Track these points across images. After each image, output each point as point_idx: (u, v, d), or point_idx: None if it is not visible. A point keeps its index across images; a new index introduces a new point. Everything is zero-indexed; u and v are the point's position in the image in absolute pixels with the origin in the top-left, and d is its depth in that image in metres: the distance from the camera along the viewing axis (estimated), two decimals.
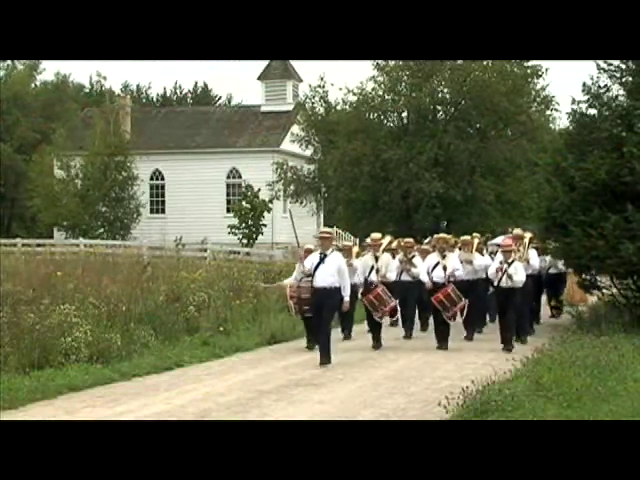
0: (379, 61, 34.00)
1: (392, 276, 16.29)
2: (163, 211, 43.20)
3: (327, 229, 14.89)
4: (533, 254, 16.98)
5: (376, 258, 16.02)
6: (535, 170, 26.26)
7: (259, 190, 36.34)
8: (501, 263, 15.24)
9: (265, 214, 35.86)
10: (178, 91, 69.09)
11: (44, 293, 13.88)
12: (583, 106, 17.77)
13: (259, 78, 44.93)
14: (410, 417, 9.26)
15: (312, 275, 13.57)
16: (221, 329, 15.92)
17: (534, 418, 8.02)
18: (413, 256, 17.55)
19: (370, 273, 15.93)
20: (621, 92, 17.88)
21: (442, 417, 8.77)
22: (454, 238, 18.50)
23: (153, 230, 37.96)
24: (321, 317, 13.44)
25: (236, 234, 35.58)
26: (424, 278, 15.91)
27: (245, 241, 35.53)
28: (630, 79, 17.73)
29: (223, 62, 76.60)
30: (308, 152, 37.62)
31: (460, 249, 17.60)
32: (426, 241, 21.48)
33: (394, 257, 17.49)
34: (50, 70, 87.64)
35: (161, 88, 75.02)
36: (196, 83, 69.27)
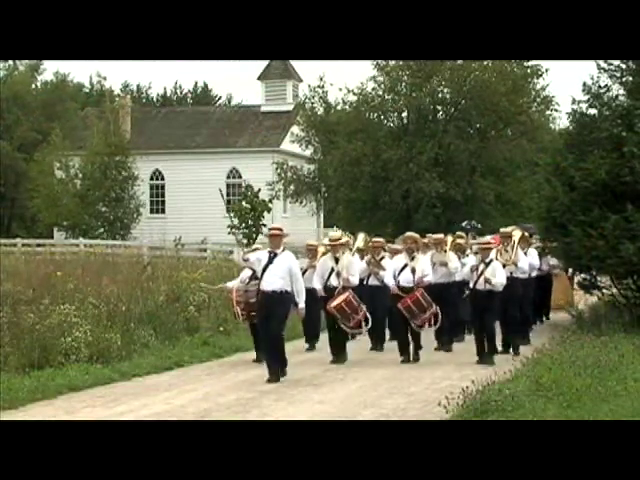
0: (379, 61, 34.00)
1: (355, 280, 14.09)
2: (163, 211, 43.21)
3: (277, 225, 12.99)
4: (532, 254, 16.55)
5: (336, 260, 14.08)
6: (535, 170, 26.26)
7: (259, 190, 36.32)
8: (478, 263, 13.71)
9: (265, 214, 35.84)
10: (178, 91, 69.11)
11: (44, 293, 13.87)
12: (583, 106, 17.79)
13: (259, 78, 44.93)
14: (410, 417, 9.25)
15: (260, 277, 11.92)
16: (221, 329, 15.90)
17: (534, 418, 8.01)
18: (382, 258, 15.76)
19: (330, 277, 14.05)
20: (621, 92, 17.91)
21: (442, 417, 8.76)
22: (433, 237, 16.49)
23: (153, 230, 37.87)
24: (269, 328, 11.76)
25: (236, 234, 35.58)
26: (389, 281, 14.00)
27: (245, 241, 35.51)
28: (630, 79, 17.74)
29: (223, 62, 76.58)
30: (308, 152, 37.59)
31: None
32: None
33: (362, 258, 15.69)
34: (50, 70, 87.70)
35: (161, 88, 75.12)
36: (196, 83, 69.37)
